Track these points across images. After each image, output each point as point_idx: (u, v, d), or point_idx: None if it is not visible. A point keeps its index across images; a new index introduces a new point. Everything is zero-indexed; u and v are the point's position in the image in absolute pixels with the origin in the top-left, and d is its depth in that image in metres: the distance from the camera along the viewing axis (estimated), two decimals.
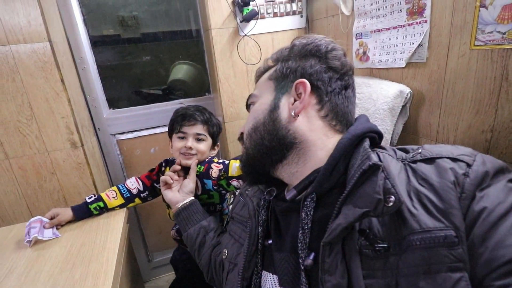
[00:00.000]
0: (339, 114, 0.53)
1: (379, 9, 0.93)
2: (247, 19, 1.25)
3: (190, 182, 0.92)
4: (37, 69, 1.10)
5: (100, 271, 0.76)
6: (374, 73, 1.02)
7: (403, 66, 0.88)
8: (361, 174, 0.43)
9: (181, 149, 1.00)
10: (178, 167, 0.97)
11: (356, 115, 0.58)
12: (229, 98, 1.39)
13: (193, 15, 1.55)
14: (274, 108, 0.53)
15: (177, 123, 1.01)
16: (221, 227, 0.86)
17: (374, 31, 0.97)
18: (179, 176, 0.98)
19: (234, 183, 0.96)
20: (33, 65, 1.09)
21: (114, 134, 1.46)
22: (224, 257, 0.67)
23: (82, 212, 1.01)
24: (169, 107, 1.49)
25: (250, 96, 0.61)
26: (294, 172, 0.53)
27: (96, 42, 1.39)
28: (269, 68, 0.60)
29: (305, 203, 0.48)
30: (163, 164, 1.12)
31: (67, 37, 1.24)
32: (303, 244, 0.47)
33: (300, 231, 0.47)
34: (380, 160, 0.46)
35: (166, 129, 1.51)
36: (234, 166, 0.95)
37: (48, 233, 0.92)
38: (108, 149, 1.47)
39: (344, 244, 0.43)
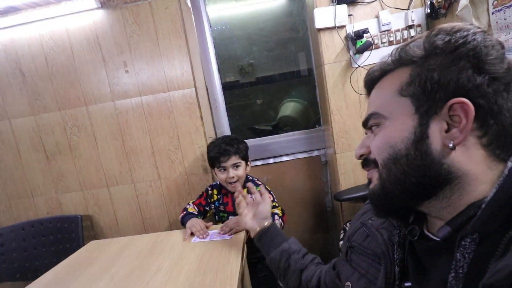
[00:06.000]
0: (507, 139, 0.42)
1: None
2: (360, 51, 1.27)
3: (265, 206, 0.94)
4: (185, 109, 1.40)
5: (226, 281, 0.84)
6: None
7: None
8: None
9: (226, 179, 1.24)
10: (239, 199, 1.01)
11: None
12: (341, 129, 1.39)
13: (306, 55, 1.68)
14: (421, 137, 0.43)
15: (215, 160, 1.24)
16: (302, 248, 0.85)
17: None
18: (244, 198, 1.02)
19: None
20: (182, 106, 1.40)
21: None
22: None
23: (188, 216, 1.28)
24: (280, 139, 1.64)
25: (371, 115, 0.50)
26: (444, 207, 0.45)
27: (224, 87, 1.67)
28: (387, 71, 0.49)
29: (463, 243, 0.40)
30: (209, 189, 1.34)
31: (205, 83, 1.54)
32: None
33: (453, 275, 0.40)
34: None
35: (277, 159, 1.64)
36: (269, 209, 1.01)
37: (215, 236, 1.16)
38: None
39: None
